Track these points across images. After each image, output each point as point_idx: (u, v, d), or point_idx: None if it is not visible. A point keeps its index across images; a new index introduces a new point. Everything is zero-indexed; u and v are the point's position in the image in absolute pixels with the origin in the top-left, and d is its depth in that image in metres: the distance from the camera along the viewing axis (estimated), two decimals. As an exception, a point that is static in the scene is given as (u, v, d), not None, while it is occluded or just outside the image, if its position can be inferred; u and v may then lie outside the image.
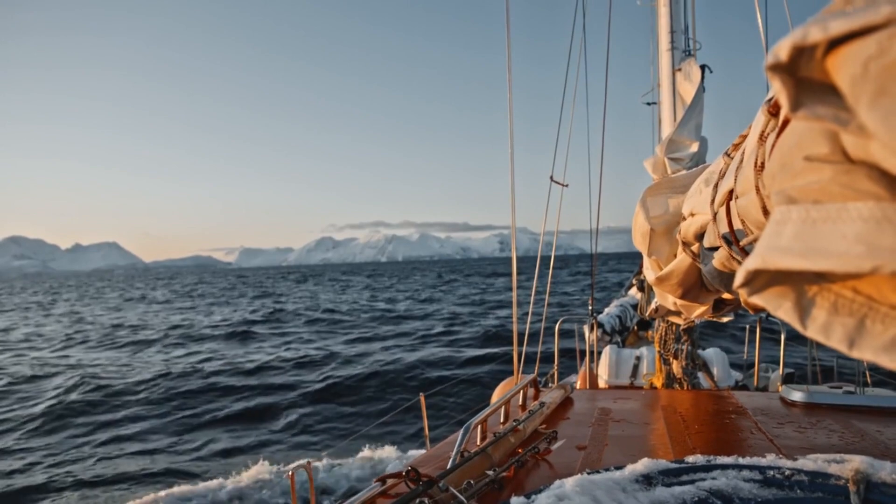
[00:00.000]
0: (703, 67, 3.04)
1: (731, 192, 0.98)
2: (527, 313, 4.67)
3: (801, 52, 0.37)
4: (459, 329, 18.45)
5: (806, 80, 0.39)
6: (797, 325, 0.47)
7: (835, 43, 0.35)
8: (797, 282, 0.48)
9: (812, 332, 0.45)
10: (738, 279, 0.51)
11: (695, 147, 2.30)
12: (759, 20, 3.99)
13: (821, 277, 0.46)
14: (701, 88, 2.87)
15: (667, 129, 3.84)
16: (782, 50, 0.38)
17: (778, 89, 0.40)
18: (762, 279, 0.50)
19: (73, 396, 10.68)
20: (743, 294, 0.52)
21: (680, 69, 3.57)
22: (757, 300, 0.51)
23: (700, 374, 3.82)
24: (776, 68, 0.39)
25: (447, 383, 9.36)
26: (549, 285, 5.09)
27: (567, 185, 4.76)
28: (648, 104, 5.84)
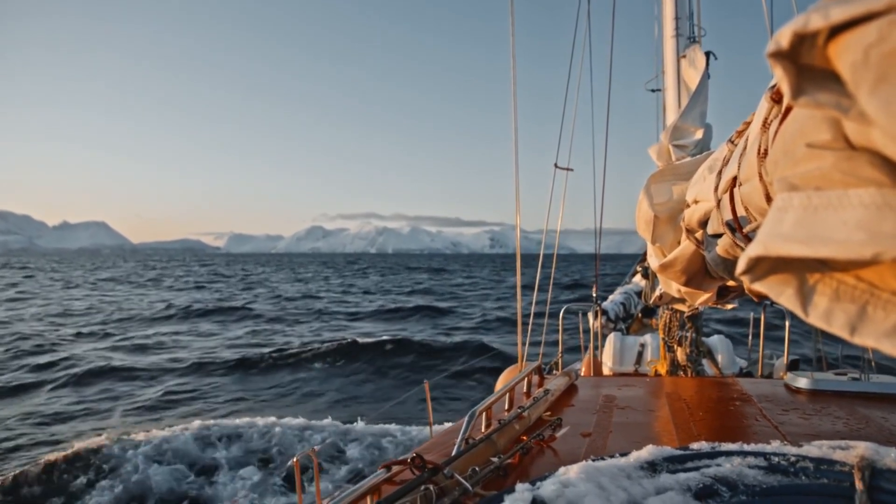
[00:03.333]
0: (707, 54, 3.02)
1: (734, 179, 0.98)
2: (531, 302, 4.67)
3: (803, 40, 0.37)
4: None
5: (807, 67, 0.39)
6: (799, 312, 0.47)
7: (836, 30, 0.35)
8: (799, 269, 0.48)
9: (814, 318, 0.46)
10: (741, 266, 0.51)
11: (699, 134, 2.29)
12: (764, 7, 3.96)
13: (823, 264, 0.46)
14: (706, 75, 2.85)
15: (671, 116, 3.82)
16: (784, 37, 0.38)
17: (780, 76, 0.40)
18: (764, 266, 0.51)
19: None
20: (745, 281, 0.53)
21: (685, 56, 3.54)
22: (759, 287, 0.51)
23: (704, 361, 3.83)
24: (778, 56, 0.39)
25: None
26: (552, 277, 5.08)
27: (572, 170, 4.74)
28: (652, 91, 5.79)
